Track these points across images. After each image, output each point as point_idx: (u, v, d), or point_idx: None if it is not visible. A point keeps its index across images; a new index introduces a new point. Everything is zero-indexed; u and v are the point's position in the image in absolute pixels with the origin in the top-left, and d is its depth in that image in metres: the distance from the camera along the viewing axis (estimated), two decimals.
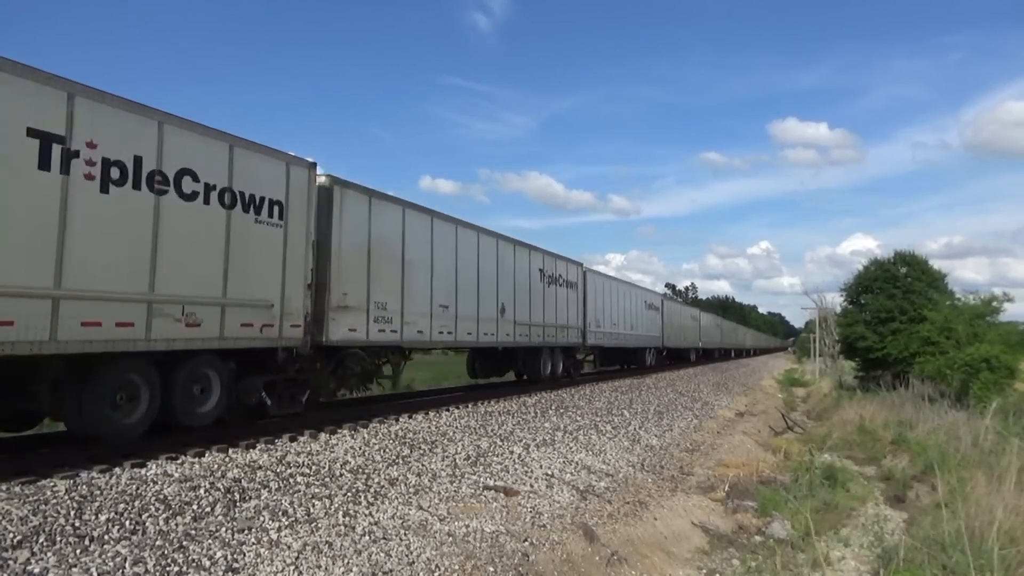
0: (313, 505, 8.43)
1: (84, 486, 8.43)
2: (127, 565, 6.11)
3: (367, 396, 18.85)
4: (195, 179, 11.33)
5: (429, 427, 14.56)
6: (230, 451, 11.08)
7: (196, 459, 10.34)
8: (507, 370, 26.23)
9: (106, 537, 6.76)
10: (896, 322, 35.53)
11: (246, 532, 7.25)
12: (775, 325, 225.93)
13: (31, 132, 8.92)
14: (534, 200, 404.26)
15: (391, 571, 6.74)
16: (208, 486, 8.77)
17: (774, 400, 35.89)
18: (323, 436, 12.84)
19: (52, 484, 8.49)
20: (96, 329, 9.62)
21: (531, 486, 10.65)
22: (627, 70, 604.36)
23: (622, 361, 41.28)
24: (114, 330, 9.89)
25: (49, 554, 6.22)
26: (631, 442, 15.59)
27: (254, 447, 11.49)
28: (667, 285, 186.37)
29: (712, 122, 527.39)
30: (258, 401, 13.08)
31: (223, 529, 7.27)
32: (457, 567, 7.07)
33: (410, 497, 9.23)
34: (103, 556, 6.27)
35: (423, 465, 11.10)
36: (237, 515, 7.81)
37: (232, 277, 11.96)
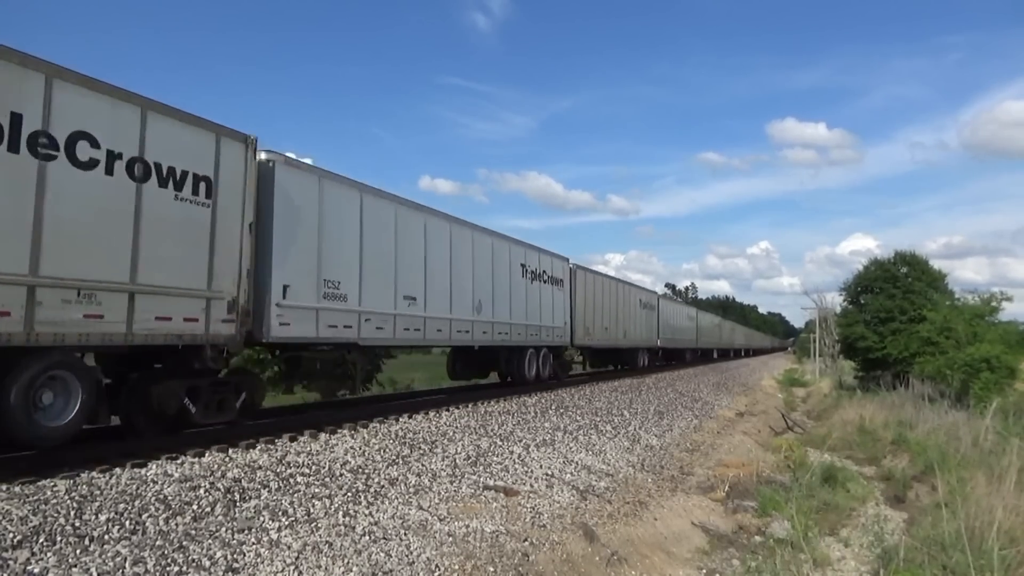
0: (313, 505, 8.44)
1: (84, 486, 8.42)
2: (127, 565, 6.10)
3: (366, 396, 18.79)
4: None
5: (429, 427, 14.55)
6: (230, 451, 11.07)
7: (196, 459, 10.33)
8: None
9: (106, 537, 6.76)
10: (896, 322, 35.62)
11: (246, 532, 7.25)
12: (775, 325, 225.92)
13: None
14: (533, 200, 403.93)
15: (391, 571, 6.74)
16: (208, 486, 8.76)
17: (774, 400, 35.91)
18: (323, 436, 12.82)
19: (52, 484, 8.48)
20: None
21: (531, 486, 10.66)
22: (627, 70, 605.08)
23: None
24: None
25: (49, 554, 6.22)
26: (631, 442, 15.60)
27: (254, 447, 11.49)
28: (667, 285, 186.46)
29: (712, 122, 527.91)
30: None
31: (223, 529, 7.27)
32: (457, 567, 7.08)
33: (410, 497, 9.22)
34: (103, 556, 6.27)
35: (423, 465, 11.10)
36: (237, 515, 7.81)
37: None
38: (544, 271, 26.65)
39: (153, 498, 8.10)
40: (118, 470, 9.37)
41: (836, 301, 51.27)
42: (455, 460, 11.68)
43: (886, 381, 30.40)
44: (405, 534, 7.75)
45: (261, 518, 7.75)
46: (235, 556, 6.57)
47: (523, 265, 24.81)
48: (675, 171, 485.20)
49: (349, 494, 9.04)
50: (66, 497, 7.90)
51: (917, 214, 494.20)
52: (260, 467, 10.04)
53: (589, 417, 18.52)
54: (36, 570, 5.89)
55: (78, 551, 6.35)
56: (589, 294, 31.92)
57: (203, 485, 8.78)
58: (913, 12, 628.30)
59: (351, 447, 11.93)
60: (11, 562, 5.99)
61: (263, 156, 13.16)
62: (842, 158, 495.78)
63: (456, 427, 14.83)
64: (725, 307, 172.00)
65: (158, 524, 7.25)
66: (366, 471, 10.32)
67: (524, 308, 24.46)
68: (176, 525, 7.28)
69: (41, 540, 6.51)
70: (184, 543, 6.76)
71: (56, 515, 7.20)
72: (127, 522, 7.20)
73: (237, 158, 12.37)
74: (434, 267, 18.68)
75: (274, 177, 13.24)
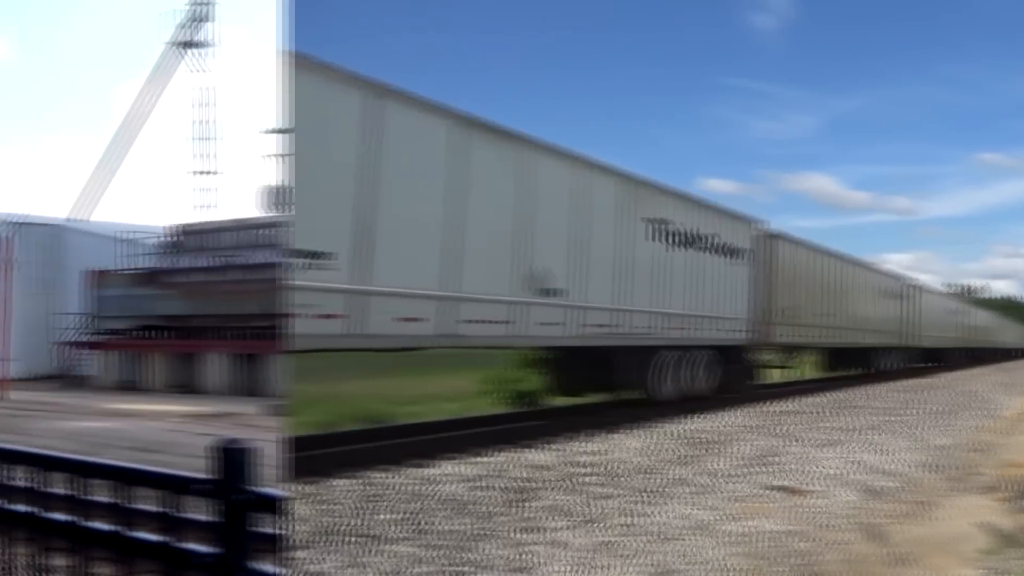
0: (598, 504, 8.44)
1: (372, 486, 8.80)
2: (405, 563, 6.17)
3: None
4: None
5: (710, 427, 14.92)
6: (514, 451, 11.53)
7: (480, 459, 10.73)
8: None
9: (391, 535, 6.93)
10: None
11: (531, 531, 7.25)
12: None
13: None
14: (816, 201, 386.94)
15: (676, 572, 6.51)
16: (494, 486, 8.94)
17: None
18: (604, 435, 13.37)
19: (339, 484, 8.92)
20: None
21: (815, 486, 10.28)
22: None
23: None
24: None
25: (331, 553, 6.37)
26: (913, 442, 15.01)
27: (533, 446, 11.97)
28: (945, 285, 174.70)
29: (994, 123, 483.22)
30: None
31: (508, 528, 7.31)
32: (743, 567, 6.78)
33: (694, 497, 9.11)
34: (380, 555, 6.34)
35: (705, 465, 11.12)
36: (521, 514, 7.86)
37: None
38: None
39: (436, 498, 8.33)
40: (403, 470, 9.79)
41: None
42: (738, 460, 11.75)
43: None
44: (690, 534, 7.55)
45: (545, 517, 7.78)
46: (520, 556, 6.53)
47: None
48: (955, 172, 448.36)
49: (633, 494, 9.09)
50: (354, 496, 8.25)
51: None
52: (546, 467, 10.22)
53: (870, 417, 18.40)
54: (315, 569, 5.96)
55: (365, 550, 6.48)
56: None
57: (489, 485, 8.97)
58: None
59: (634, 447, 12.20)
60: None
61: (764, 231, 22.06)
62: None
63: (738, 427, 15.50)
64: (1007, 308, 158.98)
65: (442, 524, 7.39)
66: (650, 471, 10.44)
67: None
68: (461, 525, 7.39)
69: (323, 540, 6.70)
70: (469, 543, 6.82)
71: (344, 515, 7.51)
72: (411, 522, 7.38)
73: (757, 236, 21.57)
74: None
75: (773, 245, 22.34)
